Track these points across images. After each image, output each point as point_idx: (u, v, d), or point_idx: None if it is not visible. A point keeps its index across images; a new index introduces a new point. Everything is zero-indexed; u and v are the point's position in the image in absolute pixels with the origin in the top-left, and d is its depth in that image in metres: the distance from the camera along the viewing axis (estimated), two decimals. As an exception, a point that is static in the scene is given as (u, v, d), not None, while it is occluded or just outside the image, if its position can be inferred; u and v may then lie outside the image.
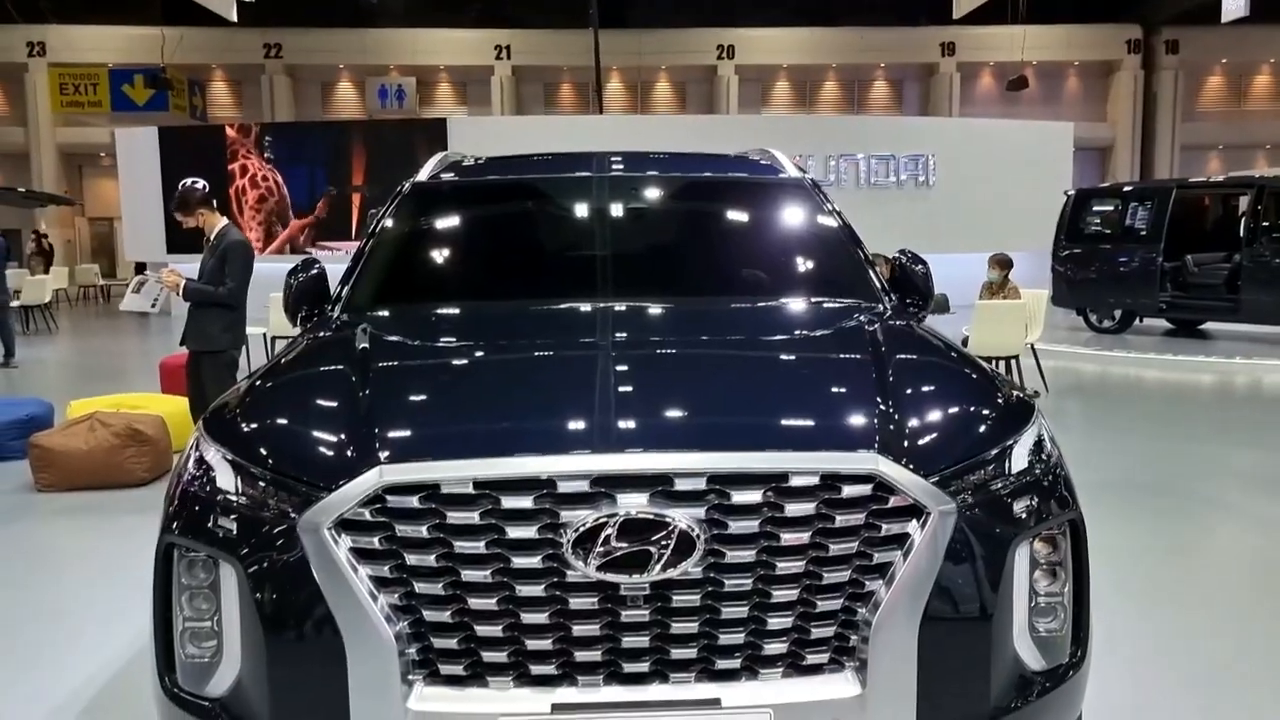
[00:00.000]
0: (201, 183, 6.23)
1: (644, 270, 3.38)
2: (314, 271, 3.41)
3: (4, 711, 3.34)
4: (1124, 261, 14.98)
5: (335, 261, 3.37)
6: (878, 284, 3.36)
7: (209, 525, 2.06)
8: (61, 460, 6.32)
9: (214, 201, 6.30)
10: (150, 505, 2.17)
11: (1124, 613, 4.10)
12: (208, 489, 2.12)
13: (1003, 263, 10.10)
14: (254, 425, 2.25)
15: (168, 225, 18.88)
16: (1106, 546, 4.78)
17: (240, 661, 2.02)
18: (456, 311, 3.21)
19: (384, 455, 1.97)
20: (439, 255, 3.70)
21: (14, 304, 17.78)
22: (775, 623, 1.94)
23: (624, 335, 2.80)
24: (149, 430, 6.51)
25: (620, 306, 3.00)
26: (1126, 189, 15.98)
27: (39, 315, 18.71)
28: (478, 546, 1.91)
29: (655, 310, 3.01)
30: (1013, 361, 9.38)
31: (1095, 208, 15.72)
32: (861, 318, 2.97)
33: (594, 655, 1.93)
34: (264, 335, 10.91)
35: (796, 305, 3.22)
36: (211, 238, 6.16)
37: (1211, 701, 3.36)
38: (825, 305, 3.20)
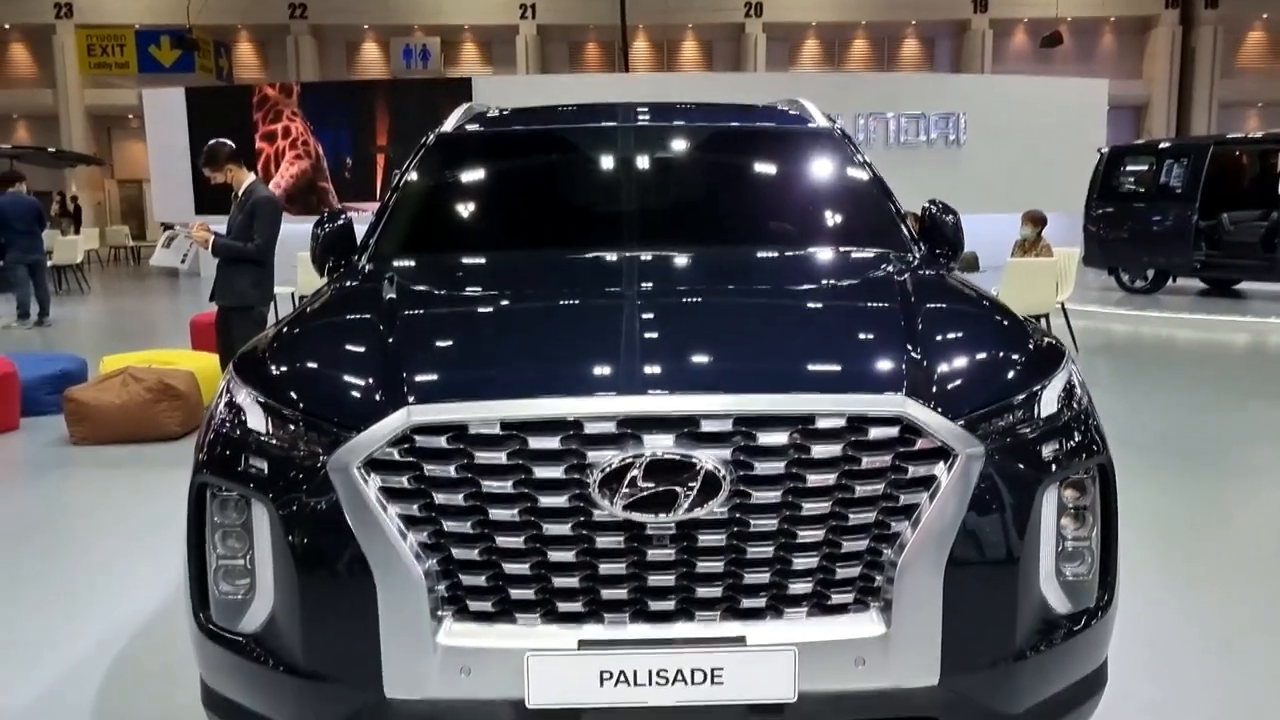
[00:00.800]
0: (229, 142, 6.27)
1: (671, 219, 3.37)
2: (340, 222, 3.43)
3: (45, 653, 3.42)
4: (1158, 220, 14.76)
5: (362, 223, 3.37)
6: (907, 234, 3.33)
7: (240, 465, 2.09)
8: (95, 414, 6.42)
9: (242, 158, 6.33)
10: (183, 458, 2.21)
11: (1150, 568, 4.08)
12: (239, 430, 2.15)
13: (1036, 219, 9.99)
14: (284, 368, 2.27)
15: (196, 186, 19.01)
16: (1133, 504, 4.76)
17: (273, 598, 2.05)
18: (482, 260, 3.22)
19: (412, 396, 1.98)
20: (464, 205, 3.70)
21: (47, 264, 18.07)
22: (800, 563, 1.95)
23: (651, 282, 2.80)
24: (181, 385, 6.59)
25: (647, 255, 3.00)
26: (1162, 146, 15.70)
27: (71, 275, 18.95)
28: (505, 486, 1.93)
29: (682, 258, 3.00)
30: (1043, 320, 9.29)
31: (1129, 166, 15.47)
32: (890, 266, 2.95)
33: (620, 593, 1.94)
34: (292, 294, 11.00)
35: (825, 254, 3.20)
36: (239, 193, 6.19)
37: (1240, 659, 3.34)
38: (854, 254, 3.18)
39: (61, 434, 6.59)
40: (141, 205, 33.45)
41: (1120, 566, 2.23)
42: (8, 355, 7.36)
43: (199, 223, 6.40)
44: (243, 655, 2.08)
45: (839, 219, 3.52)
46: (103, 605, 3.82)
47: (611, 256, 3.03)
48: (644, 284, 2.77)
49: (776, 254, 3.21)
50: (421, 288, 2.85)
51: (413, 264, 3.14)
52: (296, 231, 5.98)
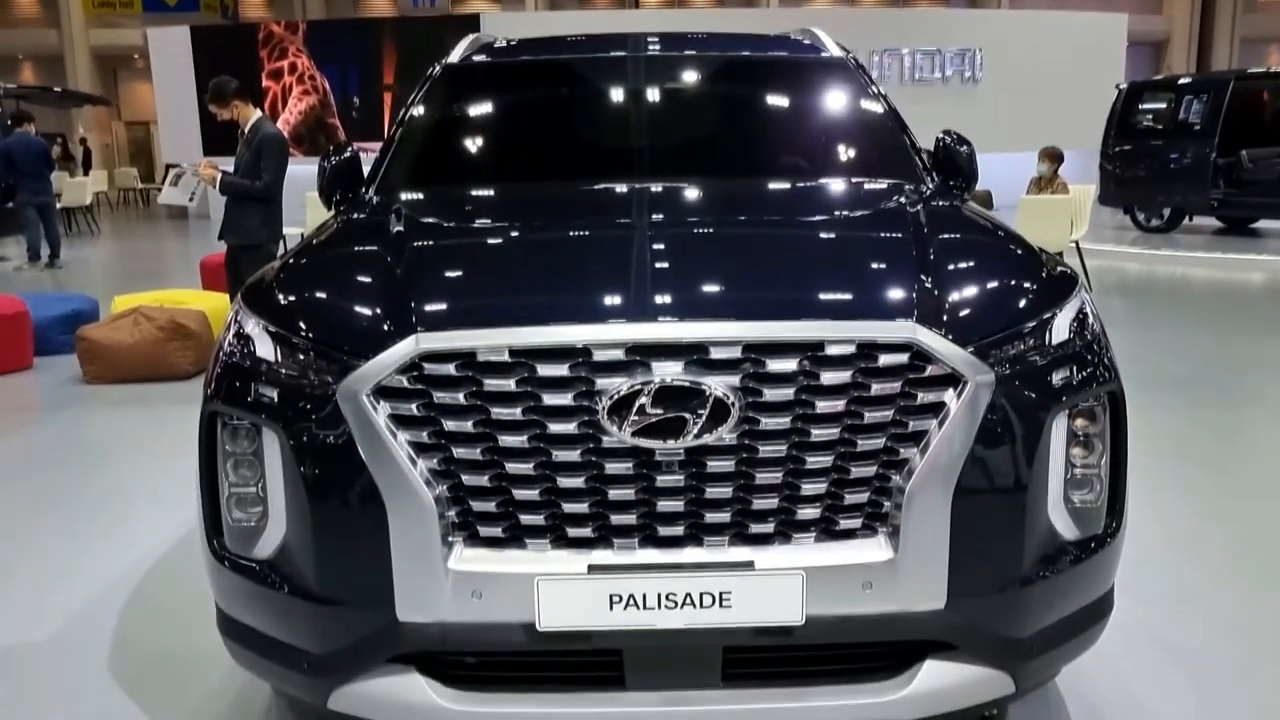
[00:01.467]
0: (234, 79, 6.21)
1: (681, 150, 3.33)
2: (347, 155, 3.39)
3: (62, 586, 3.48)
4: (1175, 157, 14.55)
5: (370, 163, 3.36)
6: (920, 165, 3.29)
7: (250, 394, 2.10)
8: (108, 353, 6.45)
9: (248, 94, 6.27)
10: (196, 396, 2.22)
11: (1160, 498, 4.09)
12: (248, 360, 2.15)
13: (1053, 156, 9.85)
14: (292, 297, 2.27)
15: (203, 126, 18.87)
16: (1143, 436, 4.75)
17: (285, 525, 2.07)
18: (489, 192, 3.20)
19: (420, 324, 1.98)
20: (471, 137, 3.66)
21: (56, 206, 18.05)
22: (809, 489, 1.95)
23: (660, 212, 2.77)
24: (192, 325, 6.61)
25: (656, 186, 2.96)
26: (1182, 81, 15.43)
27: (81, 217, 18.95)
28: (514, 413, 1.93)
29: (693, 189, 2.97)
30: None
31: (1147, 102, 15.22)
32: (902, 197, 2.91)
33: (629, 519, 1.96)
34: (301, 235, 10.97)
35: (837, 184, 3.17)
36: (246, 130, 6.15)
37: (1251, 588, 3.36)
38: (866, 185, 3.14)
39: (75, 373, 6.64)
40: (149, 147, 33.30)
41: (1134, 496, 2.23)
42: (20, 296, 7.38)
43: (206, 161, 6.37)
44: (256, 581, 2.11)
45: (852, 150, 3.47)
46: (119, 538, 3.88)
47: (621, 188, 3.00)
48: (654, 214, 2.74)
49: (788, 185, 3.18)
50: (429, 218, 2.84)
51: (420, 196, 3.12)
52: (305, 171, 5.96)
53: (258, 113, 6.21)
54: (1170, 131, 14.77)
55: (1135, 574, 2.29)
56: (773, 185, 3.16)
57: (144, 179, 29.17)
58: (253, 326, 2.19)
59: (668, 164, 3.21)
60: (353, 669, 2.03)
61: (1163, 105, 14.98)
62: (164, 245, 17.51)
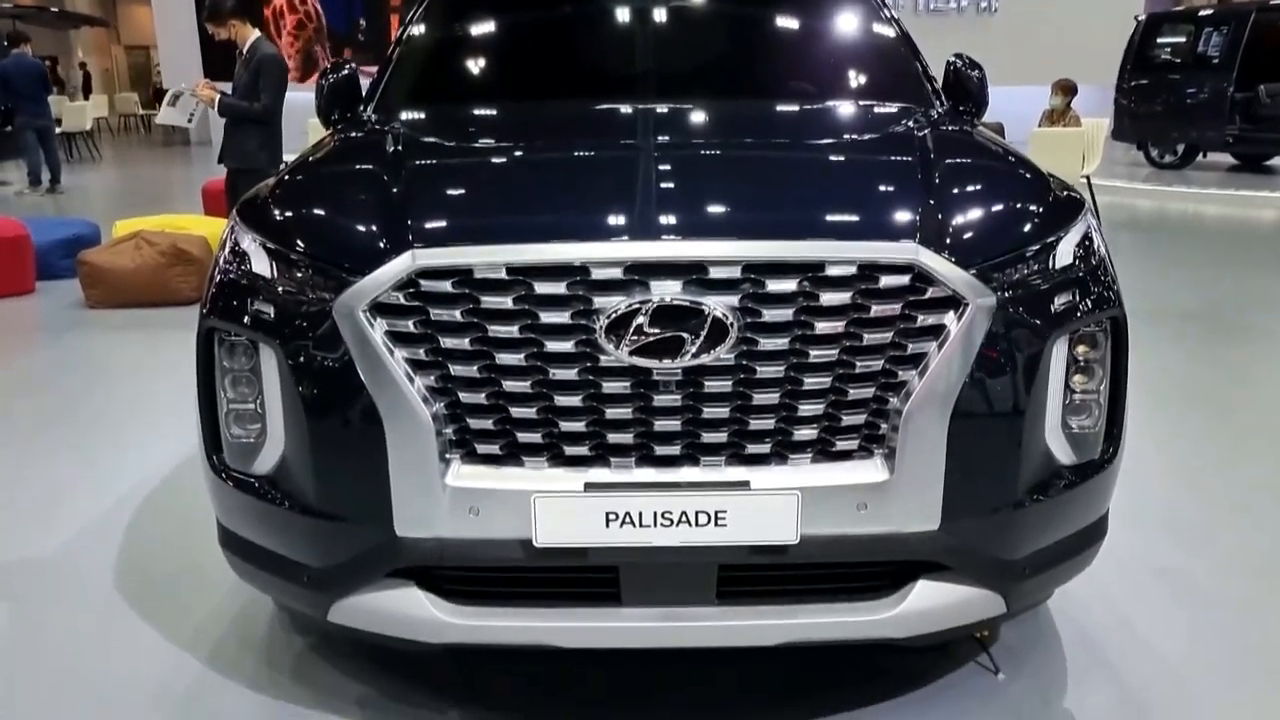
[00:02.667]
0: (231, 1, 6.09)
1: (687, 71, 3.26)
2: (345, 72, 3.33)
3: (67, 502, 3.52)
4: (1192, 92, 14.31)
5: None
6: (931, 90, 3.23)
7: (247, 310, 2.09)
8: (110, 277, 6.44)
9: (246, 14, 6.15)
10: (197, 322, 2.21)
11: (1160, 429, 4.10)
12: (244, 275, 2.14)
13: (1066, 88, 9.70)
14: (288, 212, 2.24)
15: (204, 50, 18.56)
16: (1149, 369, 4.75)
17: (284, 441, 2.08)
18: (490, 111, 3.15)
19: (417, 240, 1.96)
20: (472, 55, 3.59)
21: (55, 131, 17.88)
22: (806, 409, 1.95)
23: (663, 132, 2.73)
24: (194, 250, 6.59)
25: (660, 107, 2.91)
26: (1202, 13, 15.10)
27: (82, 143, 18.79)
28: (511, 331, 1.92)
29: (697, 109, 2.91)
30: (1065, 193, 9.10)
31: (1166, 35, 14.92)
32: (910, 120, 2.86)
33: (626, 438, 1.96)
34: (303, 161, 10.84)
35: (844, 107, 3.11)
36: (244, 51, 6.05)
37: (1248, 518, 3.38)
38: (874, 108, 3.08)
39: (77, 298, 6.63)
40: (149, 72, 32.84)
41: (1137, 428, 2.23)
42: (20, 219, 7.34)
43: (204, 81, 6.28)
44: (256, 496, 2.13)
45: (861, 73, 3.40)
46: (123, 458, 3.90)
47: (624, 108, 2.95)
48: (656, 134, 2.70)
49: (794, 106, 3.13)
50: (428, 136, 2.79)
51: (419, 115, 3.08)
52: (304, 99, 5.86)
53: (256, 33, 6.11)
54: (1188, 65, 14.50)
55: (1130, 501, 2.31)
56: (778, 107, 3.11)
57: (146, 105, 28.84)
58: (248, 242, 2.18)
59: (673, 84, 3.15)
60: (352, 583, 2.06)
61: (1181, 38, 14.68)
62: (166, 171, 17.37)
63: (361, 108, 3.23)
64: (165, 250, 6.50)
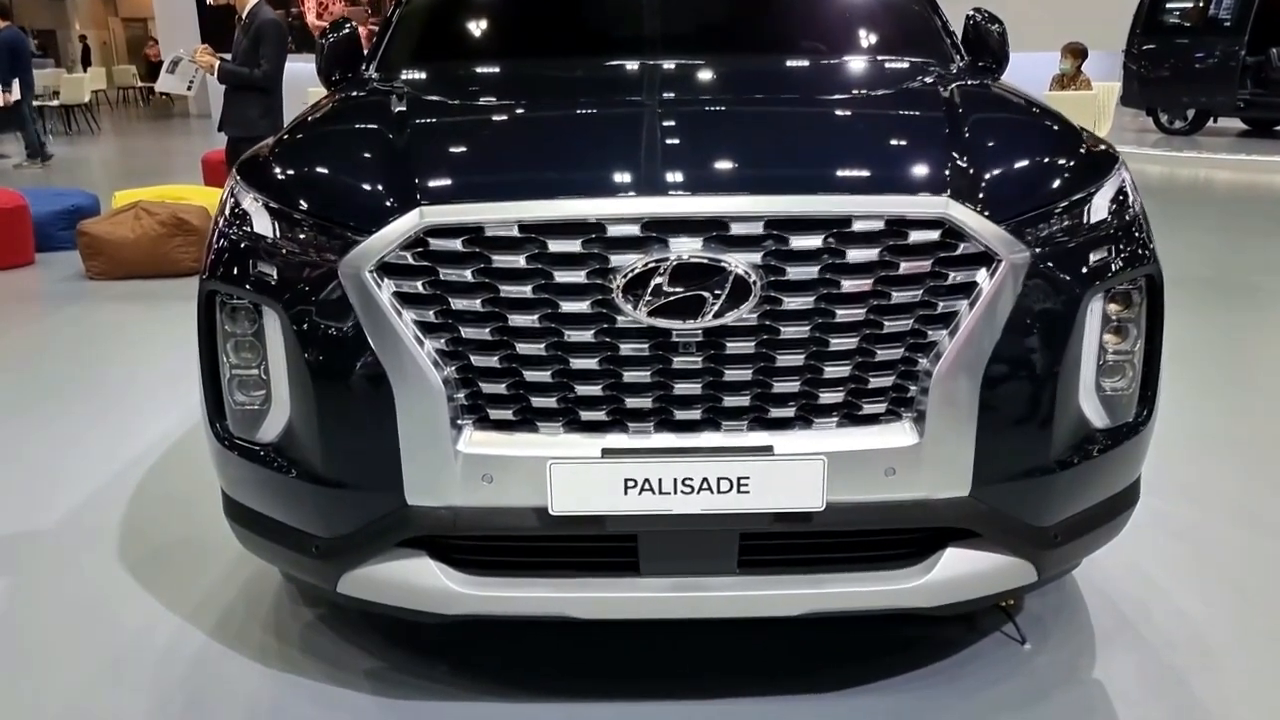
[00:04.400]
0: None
1: (701, 26, 3.15)
2: (346, 31, 3.24)
3: (71, 471, 3.46)
4: (1202, 56, 14.10)
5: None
6: (950, 45, 3.13)
7: (249, 272, 2.01)
8: (110, 248, 6.36)
9: (245, -22, 6.03)
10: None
11: (1177, 393, 4.02)
12: (246, 236, 2.06)
13: (1076, 52, 9.56)
14: (290, 171, 2.16)
15: (202, 22, 18.41)
16: (1167, 333, 4.66)
17: (289, 407, 2.01)
18: (496, 68, 3.06)
19: (425, 197, 1.88)
20: (475, 12, 3.48)
21: (53, 104, 17.75)
22: (831, 371, 1.88)
23: (677, 86, 2.63)
24: (194, 220, 6.49)
25: (672, 62, 2.81)
26: (1213, -25, 14.83)
27: (80, 115, 18.63)
28: (524, 291, 1.84)
29: (713, 65, 2.81)
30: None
31: (1176, -2, 14.68)
32: (932, 74, 2.77)
33: (645, 402, 1.88)
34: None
35: (864, 62, 3.02)
36: (244, 16, 5.93)
37: (1270, 482, 3.31)
38: (894, 62, 2.98)
39: (77, 269, 6.56)
40: (146, 44, 32.53)
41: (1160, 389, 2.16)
42: (19, 190, 7.25)
43: (203, 47, 6.16)
44: (261, 465, 2.06)
45: (879, 27, 3.29)
46: (125, 428, 3.84)
47: (635, 63, 2.85)
48: (671, 89, 2.60)
49: (812, 61, 3.02)
50: (433, 93, 2.70)
51: (422, 73, 2.98)
52: (306, 69, 5.75)
53: (256, -4, 5.98)
54: (1198, 29, 14.28)
55: (1150, 466, 2.23)
56: (796, 62, 3.01)
57: (145, 77, 28.61)
58: (250, 202, 2.10)
59: (684, 40, 3.05)
60: (362, 553, 2.00)
61: (1191, 1, 14.45)
62: (165, 142, 17.24)
63: (363, 67, 3.14)
64: (165, 220, 6.41)
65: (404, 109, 2.34)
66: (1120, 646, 2.39)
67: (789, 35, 3.23)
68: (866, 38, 3.26)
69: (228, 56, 6.06)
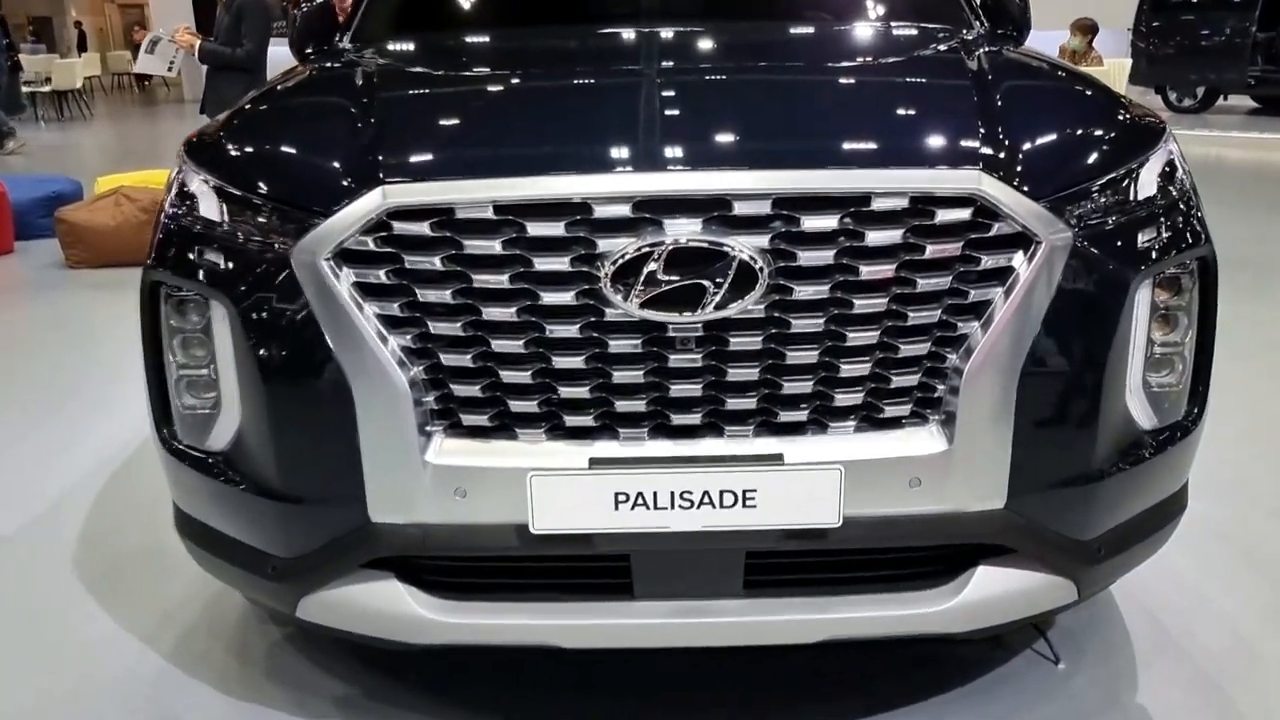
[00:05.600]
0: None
1: None
2: (319, 1, 3.01)
3: (34, 472, 3.26)
4: (1212, 33, 13.83)
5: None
6: (968, 11, 2.89)
7: (195, 260, 1.80)
8: (89, 236, 6.13)
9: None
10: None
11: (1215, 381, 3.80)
12: (192, 220, 1.85)
13: (1086, 28, 9.30)
14: (241, 148, 1.94)
15: (196, 6, 18.17)
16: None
17: (240, 412, 1.79)
18: (479, 38, 2.82)
19: (388, 175, 1.66)
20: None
21: (45, 89, 17.51)
22: (849, 370, 1.66)
23: (673, 55, 2.39)
24: (177, 205, 6.26)
25: (669, 30, 2.58)
26: (1223, -50, 14.54)
27: (73, 101, 18.38)
28: (500, 280, 1.62)
29: (710, 32, 2.58)
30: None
31: (1186, -28, 14.39)
32: (953, 41, 2.54)
33: (638, 405, 1.67)
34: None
35: (878, 28, 2.78)
36: (224, -7, 5.69)
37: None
38: (910, 29, 2.75)
39: (57, 258, 6.33)
40: (134, 29, 32.21)
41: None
42: (-2, 176, 7.04)
43: (184, 26, 5.93)
44: (211, 475, 1.85)
45: None
46: (95, 425, 3.63)
47: (631, 31, 2.62)
48: (666, 57, 2.37)
49: (822, 27, 2.79)
50: (408, 64, 2.47)
51: (401, 43, 2.75)
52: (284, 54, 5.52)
53: (237, -26, 5.74)
54: (1207, 5, 14.00)
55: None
56: (805, 28, 2.77)
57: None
58: (197, 183, 1.88)
59: (687, 8, 2.82)
60: (322, 575, 1.79)
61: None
62: (155, 126, 17.00)
63: (337, 38, 2.91)
64: (146, 206, 6.17)
65: (373, 80, 2.11)
66: (1163, 663, 2.19)
67: (793, 3, 2.99)
68: (879, 4, 3.02)
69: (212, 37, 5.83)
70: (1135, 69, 14.31)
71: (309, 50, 2.96)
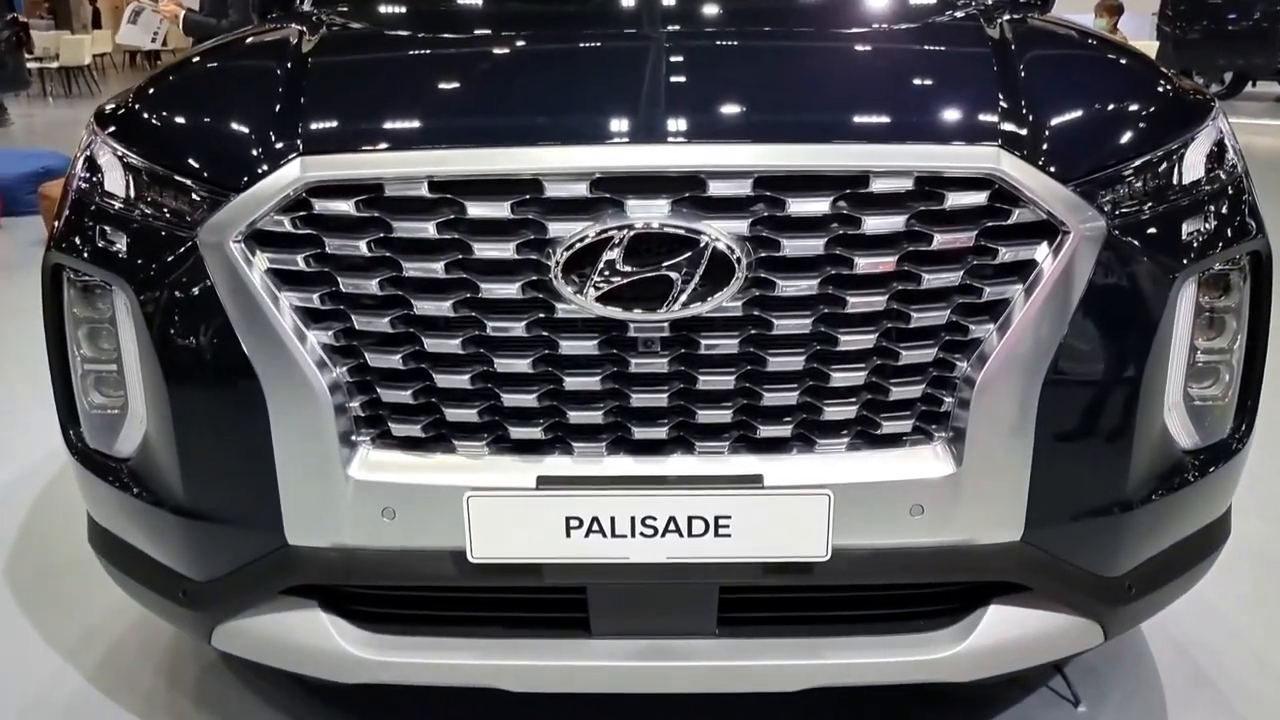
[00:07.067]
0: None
1: None
2: (284, -39, 2.76)
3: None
4: (1240, 17, 13.47)
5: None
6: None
7: (96, 241, 1.57)
8: (73, 213, 5.93)
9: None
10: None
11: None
12: (96, 195, 1.62)
13: (1112, 9, 8.99)
14: (151, 116, 1.70)
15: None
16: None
17: (145, 416, 1.57)
18: (449, 3, 2.57)
19: (307, 145, 1.43)
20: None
21: (53, 66, 17.35)
22: (841, 378, 1.42)
23: (647, 21, 2.13)
24: (164, 183, 6.06)
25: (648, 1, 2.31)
26: (1254, -70, 14.14)
27: (81, 78, 18.25)
28: (435, 269, 1.40)
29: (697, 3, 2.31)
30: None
31: (1215, -46, 13.99)
32: (969, 8, 2.27)
33: (593, 416, 1.44)
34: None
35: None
36: (209, -40, 5.45)
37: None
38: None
39: (41, 234, 6.13)
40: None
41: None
42: (-17, 151, 6.85)
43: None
44: (118, 485, 1.63)
45: None
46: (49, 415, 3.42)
47: (613, 6, 2.35)
48: (642, 25, 2.12)
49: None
50: (359, 26, 2.22)
51: (364, 5, 2.50)
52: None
53: (222, -60, 5.49)
54: (1237, -13, 13.63)
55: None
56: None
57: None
58: (105, 156, 1.65)
59: None
60: (237, 602, 1.57)
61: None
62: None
63: (299, 1, 2.66)
64: (132, 184, 5.98)
65: (310, 44, 1.86)
66: (1193, 705, 1.95)
67: None
68: None
69: (194, 3, 5.59)
70: (1161, 53, 13.91)
71: (271, 15, 2.72)
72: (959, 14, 2.19)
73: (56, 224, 1.69)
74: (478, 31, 2.12)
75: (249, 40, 2.03)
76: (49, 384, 1.70)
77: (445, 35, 2.09)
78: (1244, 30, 13.51)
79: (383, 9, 2.44)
